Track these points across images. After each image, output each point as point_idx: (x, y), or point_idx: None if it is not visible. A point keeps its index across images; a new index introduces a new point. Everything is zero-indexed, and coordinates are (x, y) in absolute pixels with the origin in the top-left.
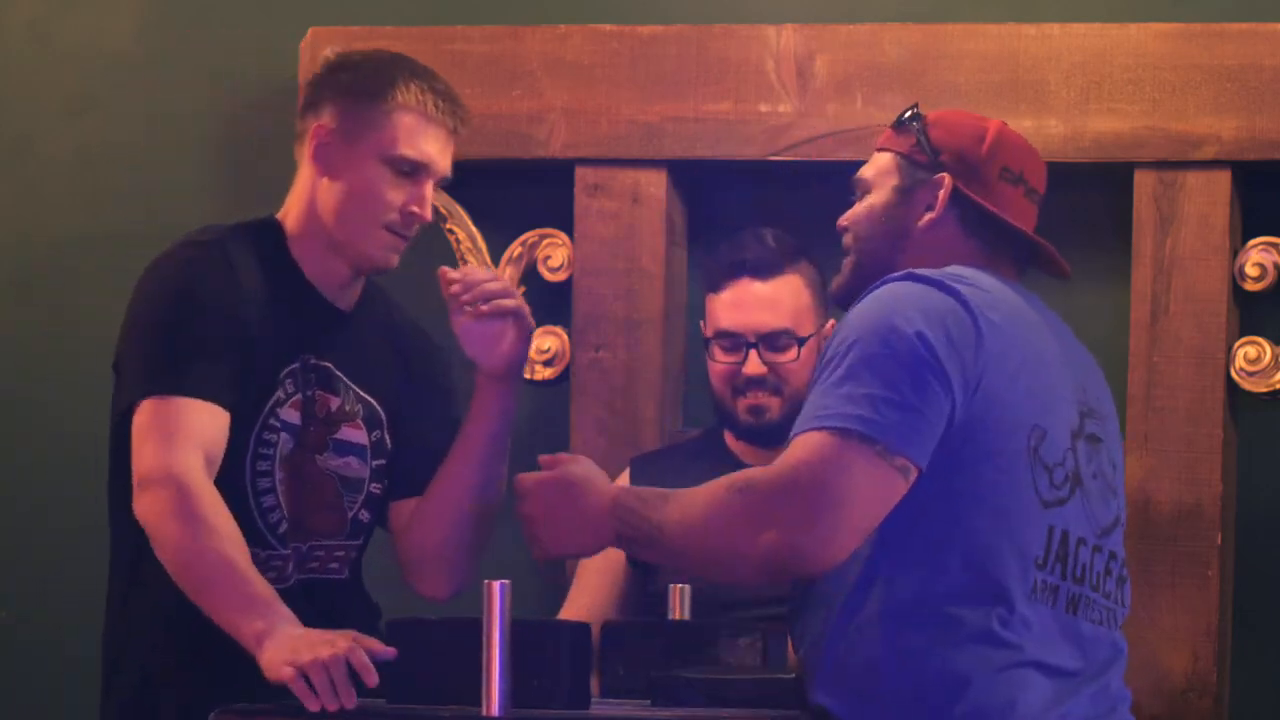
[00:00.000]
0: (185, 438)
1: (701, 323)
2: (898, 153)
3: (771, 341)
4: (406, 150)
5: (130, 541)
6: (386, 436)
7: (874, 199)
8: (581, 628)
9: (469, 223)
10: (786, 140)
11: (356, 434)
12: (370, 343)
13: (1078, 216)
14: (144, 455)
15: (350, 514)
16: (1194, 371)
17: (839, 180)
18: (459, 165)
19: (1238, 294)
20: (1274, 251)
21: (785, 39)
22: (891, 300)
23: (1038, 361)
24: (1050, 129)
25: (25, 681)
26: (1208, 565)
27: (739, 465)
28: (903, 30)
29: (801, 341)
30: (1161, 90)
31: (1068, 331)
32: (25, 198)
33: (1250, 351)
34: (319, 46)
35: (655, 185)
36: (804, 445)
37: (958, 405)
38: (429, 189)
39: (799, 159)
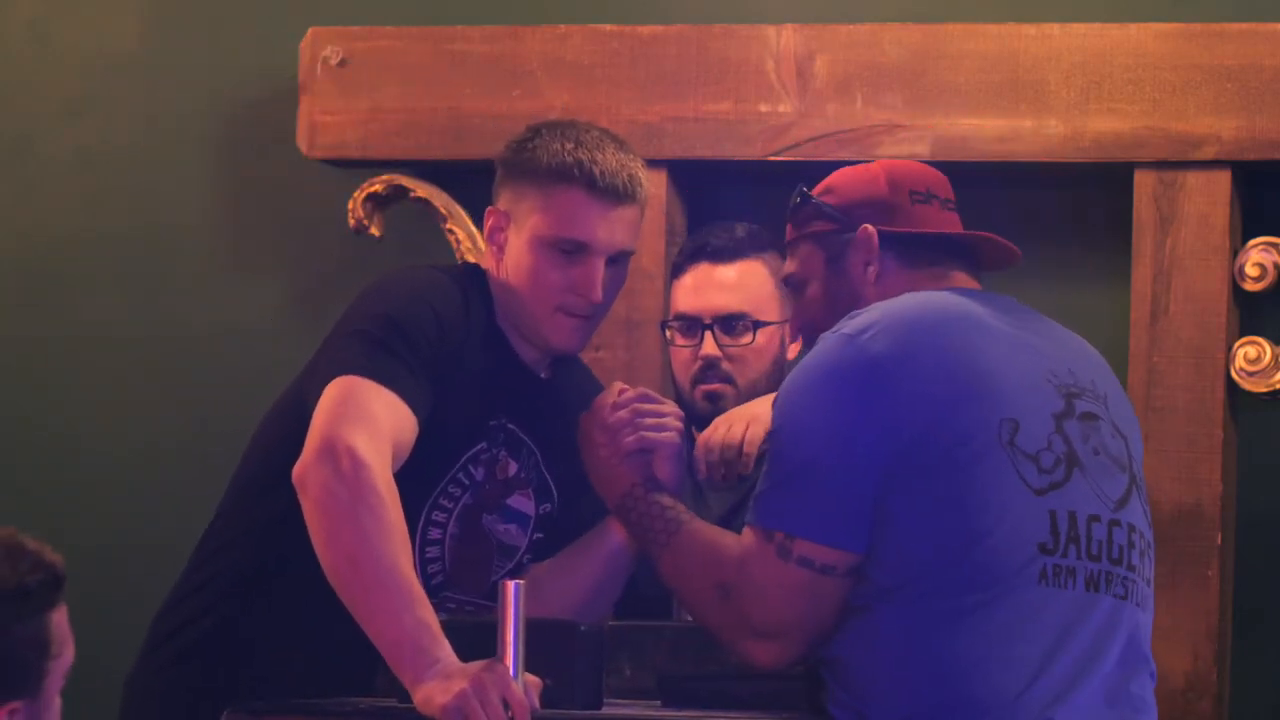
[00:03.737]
0: (380, 421)
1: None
2: (808, 235)
3: (727, 324)
4: (564, 232)
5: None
6: (555, 511)
7: (812, 289)
8: (596, 628)
9: (469, 222)
10: (786, 140)
11: (525, 503)
12: (561, 415)
13: (1078, 216)
14: (328, 423)
15: (493, 576)
16: (1194, 371)
17: None
18: (459, 165)
19: (1238, 294)
20: (1274, 251)
21: (785, 39)
22: (796, 383)
23: (986, 362)
24: (1050, 129)
25: None
26: (1208, 565)
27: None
28: (903, 30)
29: (758, 325)
30: (1161, 90)
31: (1043, 321)
32: (25, 198)
33: (1250, 351)
34: (319, 46)
35: (655, 185)
36: (745, 543)
37: (886, 447)
38: (598, 267)
39: (799, 159)
